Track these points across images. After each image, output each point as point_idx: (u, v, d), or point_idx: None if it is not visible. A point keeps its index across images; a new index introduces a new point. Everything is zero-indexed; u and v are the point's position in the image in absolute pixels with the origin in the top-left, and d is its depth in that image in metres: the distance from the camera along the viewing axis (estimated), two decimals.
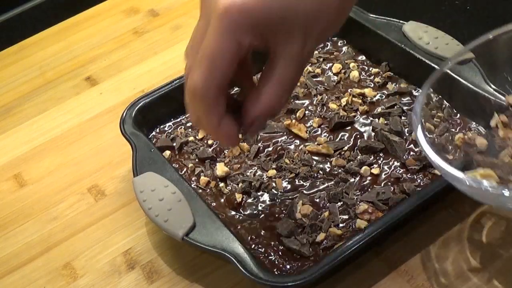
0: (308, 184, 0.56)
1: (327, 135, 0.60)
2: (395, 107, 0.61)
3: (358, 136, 0.59)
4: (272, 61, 0.42)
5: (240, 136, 0.46)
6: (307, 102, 0.63)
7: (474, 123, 0.58)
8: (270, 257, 0.52)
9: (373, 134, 0.59)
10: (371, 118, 0.60)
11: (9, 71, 0.77)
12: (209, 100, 0.42)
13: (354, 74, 0.65)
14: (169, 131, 0.62)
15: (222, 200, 0.56)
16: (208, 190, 0.57)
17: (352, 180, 0.56)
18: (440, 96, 0.61)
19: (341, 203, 0.54)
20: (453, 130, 0.58)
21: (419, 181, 0.55)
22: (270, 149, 0.59)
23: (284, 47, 0.42)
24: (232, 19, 0.40)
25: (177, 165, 0.59)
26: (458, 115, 0.59)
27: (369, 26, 0.65)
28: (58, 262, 0.57)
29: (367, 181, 0.56)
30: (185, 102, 0.44)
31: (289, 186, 0.56)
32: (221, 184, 0.57)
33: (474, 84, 0.57)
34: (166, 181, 0.54)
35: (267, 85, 0.43)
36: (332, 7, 0.42)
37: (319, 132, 0.60)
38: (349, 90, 0.64)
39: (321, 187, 0.56)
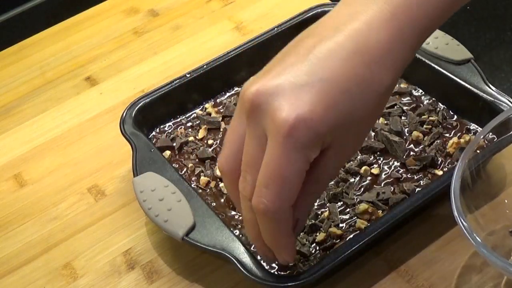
0: None
1: None
2: (395, 107, 0.61)
3: None
4: (321, 165, 0.42)
5: None
6: None
7: (472, 124, 0.59)
8: None
9: (373, 134, 0.59)
10: None
11: (9, 71, 0.77)
12: (283, 221, 0.42)
13: None
14: (169, 131, 0.62)
15: (222, 200, 0.56)
16: (208, 190, 0.57)
17: (352, 180, 0.56)
18: (434, 99, 0.61)
19: (341, 203, 0.54)
20: (447, 135, 0.58)
21: (419, 181, 0.55)
22: None
23: (334, 153, 0.42)
24: (300, 139, 0.39)
25: (177, 165, 0.59)
26: (455, 116, 0.59)
27: None
28: (58, 262, 0.56)
29: (367, 181, 0.56)
30: (245, 220, 0.44)
31: None
32: (221, 184, 0.57)
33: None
34: (166, 181, 0.54)
35: (307, 186, 0.42)
36: (373, 114, 0.44)
37: None
38: None
39: None
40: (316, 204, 0.54)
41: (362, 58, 0.40)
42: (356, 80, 0.40)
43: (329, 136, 0.41)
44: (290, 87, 0.40)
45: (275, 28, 0.65)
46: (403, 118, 0.60)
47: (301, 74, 0.40)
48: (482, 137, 0.48)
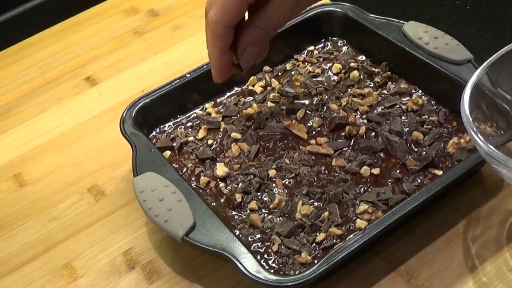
0: (308, 184, 0.56)
1: (327, 135, 0.60)
2: (395, 107, 0.61)
3: (358, 136, 0.59)
4: (269, 4, 0.51)
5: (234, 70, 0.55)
6: (307, 102, 0.63)
7: None
8: (270, 257, 0.52)
9: (373, 134, 0.59)
10: (371, 118, 0.60)
11: (9, 71, 0.77)
12: (217, 33, 0.51)
13: (354, 74, 0.65)
14: (169, 131, 0.62)
15: (222, 200, 0.56)
16: (208, 190, 0.57)
17: (352, 180, 0.56)
18: (434, 99, 0.61)
19: (341, 203, 0.54)
20: (447, 135, 0.58)
21: (419, 181, 0.55)
22: (270, 149, 0.59)
23: None
24: None
25: (177, 165, 0.59)
26: (455, 117, 0.59)
27: (369, 26, 0.65)
28: (58, 262, 0.57)
29: (367, 181, 0.56)
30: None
31: (289, 186, 0.56)
32: (221, 184, 0.57)
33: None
34: (166, 181, 0.54)
35: (257, 21, 0.51)
36: None
37: (319, 132, 0.60)
38: (349, 90, 0.64)
39: (321, 187, 0.56)
40: (316, 204, 0.54)
41: None
42: None
43: None
44: None
45: None
46: (403, 118, 0.60)
47: None
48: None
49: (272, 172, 0.57)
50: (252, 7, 0.51)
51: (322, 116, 0.61)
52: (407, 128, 0.59)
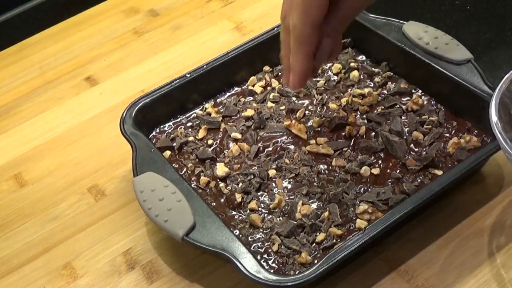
0: (308, 184, 0.56)
1: (327, 135, 0.60)
2: (395, 107, 0.61)
3: (358, 136, 0.59)
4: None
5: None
6: (307, 102, 0.63)
7: (472, 124, 0.59)
8: (270, 257, 0.52)
9: (373, 134, 0.59)
10: (371, 118, 0.60)
11: (9, 71, 0.77)
12: (302, 38, 0.49)
13: (354, 74, 0.65)
14: (169, 131, 0.62)
15: (222, 200, 0.56)
16: (208, 190, 0.57)
17: (352, 180, 0.56)
18: (434, 99, 0.61)
19: (341, 203, 0.54)
20: (447, 135, 0.58)
21: (419, 181, 0.55)
22: (270, 149, 0.59)
23: None
24: None
25: (177, 165, 0.59)
26: (455, 117, 0.59)
27: (369, 26, 0.65)
28: (58, 262, 0.57)
29: (367, 181, 0.56)
30: (281, 40, 0.52)
31: (289, 186, 0.56)
32: (221, 184, 0.57)
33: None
34: (166, 181, 0.54)
35: (329, 11, 0.49)
36: None
37: (319, 132, 0.60)
38: (349, 90, 0.64)
39: (321, 187, 0.56)
40: (316, 204, 0.54)
41: None
42: None
43: None
44: None
45: (275, 28, 0.65)
46: (403, 118, 0.60)
47: None
48: None
49: (272, 172, 0.57)
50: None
51: (322, 116, 0.61)
52: (407, 128, 0.59)
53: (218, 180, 0.57)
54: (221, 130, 0.62)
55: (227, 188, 0.57)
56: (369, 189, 0.55)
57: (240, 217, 0.54)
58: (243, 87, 0.65)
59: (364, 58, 0.67)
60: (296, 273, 0.49)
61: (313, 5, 0.48)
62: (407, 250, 0.53)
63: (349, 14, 0.51)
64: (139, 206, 0.53)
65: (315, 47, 0.50)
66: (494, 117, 0.46)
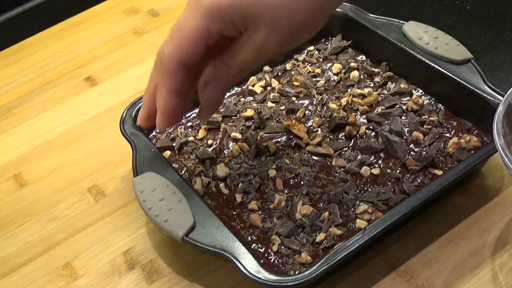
0: (308, 184, 0.56)
1: (327, 135, 0.60)
2: (395, 107, 0.61)
3: (358, 136, 0.59)
4: (237, 43, 0.46)
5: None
6: (307, 102, 0.63)
7: (472, 124, 0.59)
8: (270, 257, 0.52)
9: (373, 134, 0.59)
10: (371, 118, 0.60)
11: (9, 71, 0.77)
12: (166, 69, 0.47)
13: (354, 74, 0.65)
14: (169, 131, 0.62)
15: (222, 200, 0.56)
16: (208, 190, 0.57)
17: (352, 180, 0.56)
18: (434, 99, 0.61)
19: (341, 203, 0.54)
20: (447, 135, 0.58)
21: (419, 181, 0.55)
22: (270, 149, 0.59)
23: (249, 36, 0.45)
24: (203, 4, 0.45)
25: (177, 165, 0.59)
26: (455, 117, 0.59)
27: (369, 26, 0.65)
28: (58, 262, 0.57)
29: (367, 181, 0.56)
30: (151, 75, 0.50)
31: (289, 186, 0.56)
32: (221, 184, 0.57)
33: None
34: (166, 181, 0.54)
35: (225, 57, 0.47)
36: (307, 7, 0.44)
37: (319, 132, 0.60)
38: (349, 90, 0.64)
39: (321, 187, 0.56)
40: (316, 204, 0.54)
41: None
42: None
43: (238, 19, 0.45)
44: None
45: None
46: (403, 118, 0.60)
47: None
48: None
49: (272, 172, 0.57)
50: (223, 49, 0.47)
51: (322, 116, 0.61)
52: (407, 128, 0.59)
53: (218, 180, 0.57)
54: (221, 130, 0.62)
55: (227, 188, 0.57)
56: (369, 189, 0.55)
57: (240, 217, 0.54)
58: (243, 87, 0.65)
59: (364, 58, 0.67)
60: (296, 273, 0.49)
61: (185, 42, 0.46)
62: (407, 250, 0.53)
63: (236, 67, 0.47)
64: (139, 206, 0.53)
65: (179, 85, 0.47)
66: (498, 139, 0.46)
